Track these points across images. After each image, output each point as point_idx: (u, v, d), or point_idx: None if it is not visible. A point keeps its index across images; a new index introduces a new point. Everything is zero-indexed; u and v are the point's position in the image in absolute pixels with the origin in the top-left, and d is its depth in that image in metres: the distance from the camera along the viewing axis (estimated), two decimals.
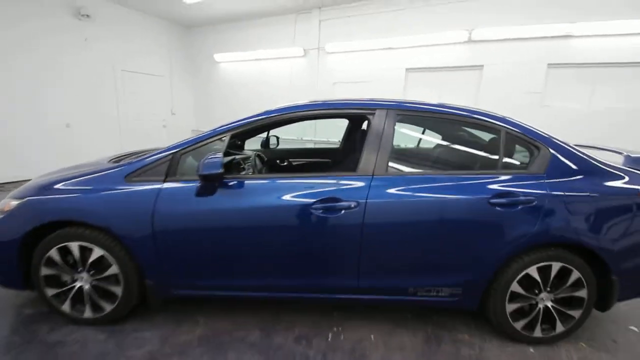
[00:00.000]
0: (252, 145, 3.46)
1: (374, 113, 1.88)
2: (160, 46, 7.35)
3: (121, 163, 1.92)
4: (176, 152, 1.84)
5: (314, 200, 1.74)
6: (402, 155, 2.15)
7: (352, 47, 5.81)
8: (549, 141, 1.87)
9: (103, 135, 6.51)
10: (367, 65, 5.82)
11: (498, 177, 1.81)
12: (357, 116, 2.39)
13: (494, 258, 1.78)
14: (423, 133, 2.41)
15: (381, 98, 1.98)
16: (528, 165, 1.87)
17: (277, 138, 3.54)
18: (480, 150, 2.02)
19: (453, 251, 1.81)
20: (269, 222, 1.76)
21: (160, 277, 1.87)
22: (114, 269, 1.84)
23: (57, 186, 1.86)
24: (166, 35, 7.43)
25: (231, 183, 1.81)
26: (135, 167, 1.84)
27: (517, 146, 1.99)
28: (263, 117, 1.93)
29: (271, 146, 3.49)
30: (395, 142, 1.89)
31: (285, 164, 3.40)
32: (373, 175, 1.78)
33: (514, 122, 1.90)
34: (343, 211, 1.73)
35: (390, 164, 1.83)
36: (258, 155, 2.77)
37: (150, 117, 7.38)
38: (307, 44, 6.23)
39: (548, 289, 1.84)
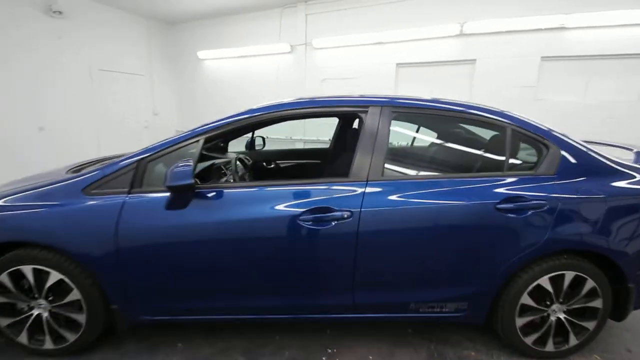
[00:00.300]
0: (237, 146, 3.25)
1: (367, 111, 1.68)
2: (138, 44, 7.01)
3: (79, 174, 1.68)
4: (142, 159, 1.61)
5: (302, 210, 1.54)
6: (400, 157, 1.97)
7: (340, 42, 5.60)
8: (558, 139, 1.70)
9: (80, 139, 6.17)
10: (357, 60, 5.62)
11: (505, 180, 1.64)
12: (348, 114, 2.19)
13: (503, 269, 1.62)
14: (417, 131, 2.23)
15: (374, 94, 1.79)
16: (536, 166, 1.70)
17: (263, 139, 3.32)
18: (484, 150, 1.85)
19: (458, 262, 1.64)
20: (250, 237, 1.55)
21: (128, 302, 1.64)
22: (75, 294, 1.61)
23: (2, 202, 1.61)
24: (145, 32, 7.09)
25: (206, 193, 1.59)
26: (94, 178, 1.60)
27: (521, 144, 1.82)
28: (245, 116, 1.72)
29: (257, 147, 3.27)
30: (390, 142, 1.70)
31: (273, 166, 3.19)
32: (367, 180, 1.59)
33: (521, 119, 1.73)
34: (335, 222, 1.53)
35: (386, 167, 1.63)
36: (240, 159, 2.54)
37: (131, 118, 7.05)
38: (293, 39, 6.00)
39: (560, 300, 1.68)
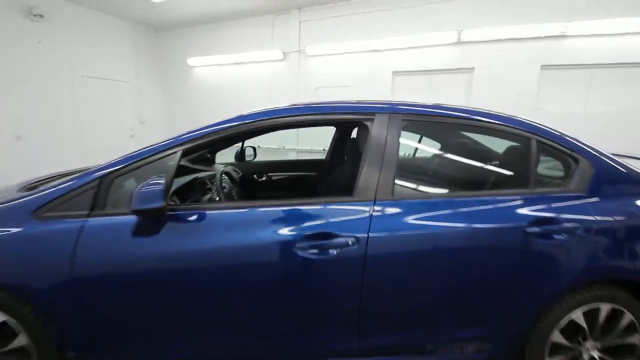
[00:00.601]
0: (227, 157, 3.00)
1: (373, 119, 1.46)
2: (125, 49, 6.74)
3: (30, 193, 1.40)
4: (107, 174, 1.35)
5: (298, 236, 1.29)
6: (411, 173, 1.73)
7: (335, 50, 5.45)
8: (587, 152, 1.51)
9: (61, 149, 5.83)
10: (352, 68, 5.45)
11: (532, 199, 1.42)
12: (350, 123, 1.97)
13: (532, 303, 1.40)
14: (420, 141, 2.01)
15: (380, 100, 1.57)
16: (564, 182, 1.50)
17: (254, 149, 3.08)
18: (505, 164, 1.64)
19: (481, 296, 1.40)
20: (236, 270, 1.30)
21: (86, 349, 1.36)
22: (21, 340, 1.32)
23: None
24: (131, 38, 6.83)
25: (184, 215, 1.33)
26: (47, 197, 1.33)
27: (541, 157, 1.63)
28: (233, 125, 1.47)
29: (247, 158, 3.03)
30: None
31: (264, 179, 2.94)
32: (375, 200, 1.35)
33: (546, 129, 1.53)
34: (337, 250, 1.29)
35: (397, 183, 1.41)
36: (227, 173, 2.28)
37: (116, 127, 6.74)
38: (286, 46, 5.82)
39: (595, 336, 1.46)
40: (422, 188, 1.59)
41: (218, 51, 6.44)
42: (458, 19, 4.64)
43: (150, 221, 1.28)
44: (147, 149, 1.40)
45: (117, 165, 1.36)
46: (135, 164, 1.36)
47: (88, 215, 1.30)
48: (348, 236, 1.29)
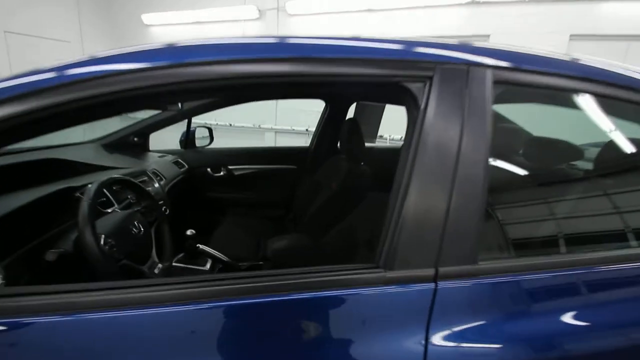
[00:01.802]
0: (170, 139, 2.15)
1: (431, 77, 0.61)
2: (64, 4, 5.49)
3: None
4: None
5: None
6: (520, 205, 0.84)
7: (320, 8, 4.50)
8: None
9: None
10: (342, 32, 4.53)
11: None
12: (372, 87, 1.09)
13: None
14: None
15: (436, 39, 0.73)
16: None
17: (210, 130, 2.19)
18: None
19: None
20: None
21: None
22: None
23: None
24: None
25: None
26: None
27: None
28: (91, 73, 0.54)
29: (199, 143, 2.14)
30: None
31: (222, 173, 2.08)
32: (437, 277, 0.55)
33: None
34: None
35: (488, 229, 0.59)
36: (125, 182, 1.15)
37: None
38: (262, 3, 4.80)
39: None
40: (539, 238, 0.75)
41: (179, 6, 5.32)
42: None
43: None
44: None
45: None
46: None
47: None
48: None
